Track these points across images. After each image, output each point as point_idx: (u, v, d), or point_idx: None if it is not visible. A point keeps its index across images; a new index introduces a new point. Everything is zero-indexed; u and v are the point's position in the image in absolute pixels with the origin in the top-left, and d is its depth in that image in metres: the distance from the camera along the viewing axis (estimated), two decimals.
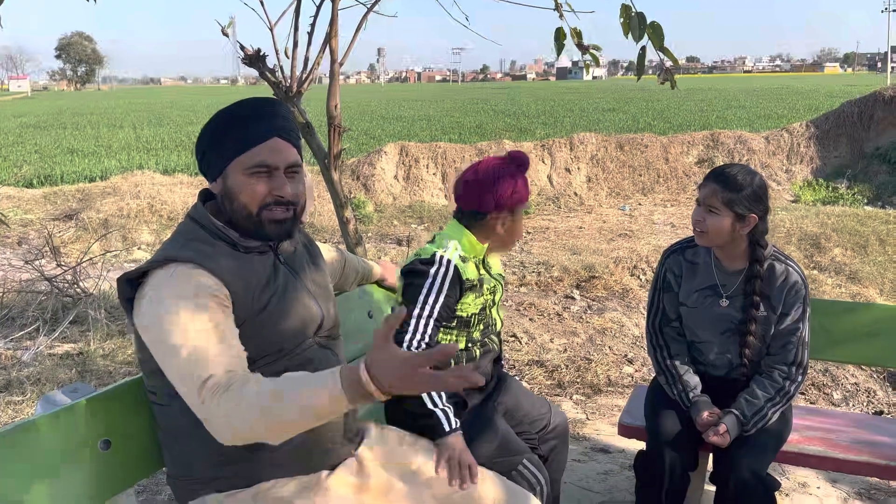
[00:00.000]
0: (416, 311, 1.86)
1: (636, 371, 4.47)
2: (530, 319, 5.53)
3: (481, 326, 2.03)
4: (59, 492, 1.40)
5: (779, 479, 2.01)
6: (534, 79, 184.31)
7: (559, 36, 3.16)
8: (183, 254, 1.41)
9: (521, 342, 4.96)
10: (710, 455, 2.22)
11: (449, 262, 1.91)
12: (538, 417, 2.14)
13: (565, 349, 4.79)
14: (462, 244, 1.97)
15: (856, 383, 5.33)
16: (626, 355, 4.80)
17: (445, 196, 11.48)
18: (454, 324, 1.96)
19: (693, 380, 2.17)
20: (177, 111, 36.76)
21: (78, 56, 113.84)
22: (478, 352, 2.04)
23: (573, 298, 6.27)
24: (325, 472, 1.49)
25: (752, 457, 1.94)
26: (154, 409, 1.51)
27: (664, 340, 2.24)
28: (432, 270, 1.90)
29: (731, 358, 2.17)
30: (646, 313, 2.32)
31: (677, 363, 2.19)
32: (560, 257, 7.60)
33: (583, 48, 3.21)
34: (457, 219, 2.02)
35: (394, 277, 2.36)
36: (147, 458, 1.58)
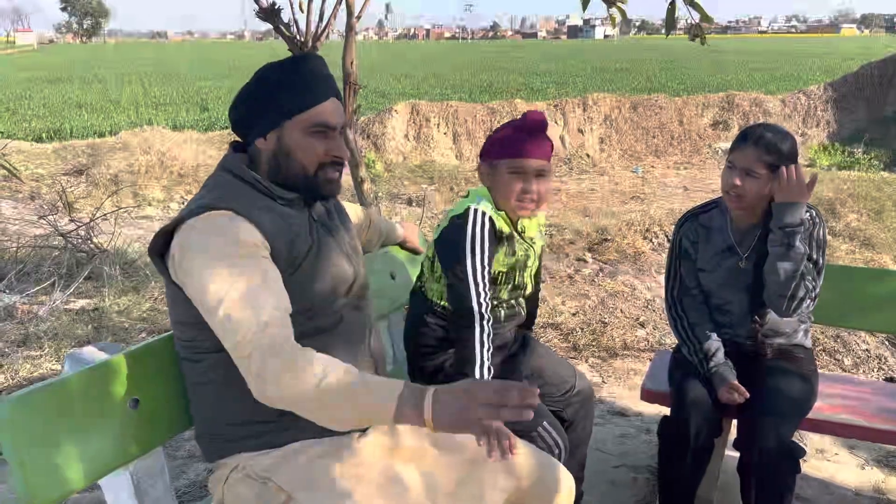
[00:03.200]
0: (470, 273, 1.83)
1: (648, 335, 4.46)
2: (542, 282, 5.52)
3: (509, 286, 1.99)
4: (88, 450, 1.40)
5: None
6: (544, 37, 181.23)
7: None
8: (219, 203, 1.38)
9: None
10: (734, 421, 2.21)
11: (483, 213, 1.88)
12: (563, 380, 2.12)
13: (577, 312, 4.78)
14: (487, 199, 1.94)
15: (867, 349, 5.32)
16: (637, 319, 4.79)
17: (456, 156, 11.38)
18: None
19: (715, 347, 2.15)
20: (184, 66, 36.40)
21: (83, 9, 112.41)
22: (503, 313, 2.01)
23: (585, 261, 6.25)
24: (356, 434, 1.49)
25: (778, 424, 1.92)
26: (184, 365, 1.49)
27: (683, 311, 2.22)
28: (469, 225, 1.86)
29: (755, 318, 2.15)
30: (664, 284, 2.29)
31: (698, 332, 2.17)
32: (572, 220, 7.56)
33: (609, 1, 3.13)
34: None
35: (416, 239, 2.34)
36: (175, 417, 1.57)
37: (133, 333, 3.93)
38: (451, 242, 1.88)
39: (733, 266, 2.14)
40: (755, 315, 2.16)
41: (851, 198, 8.71)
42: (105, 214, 5.78)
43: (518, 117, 1.98)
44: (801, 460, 1.94)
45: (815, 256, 2.06)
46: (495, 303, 1.98)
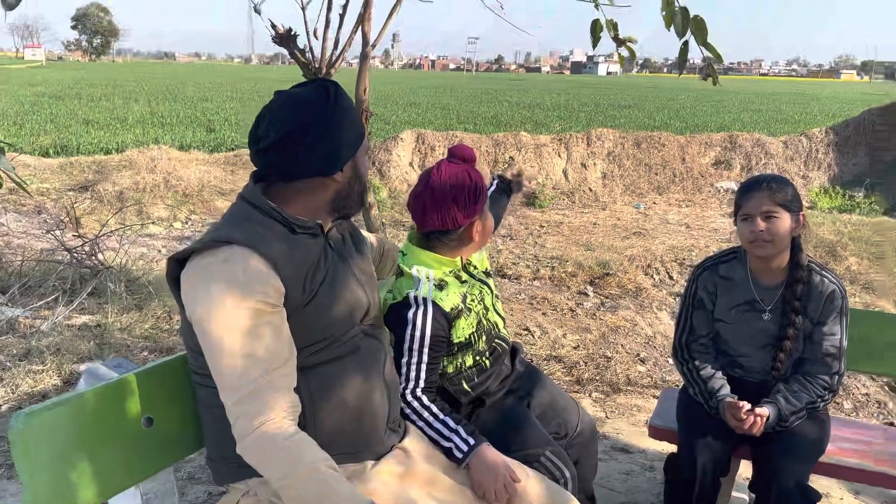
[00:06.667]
0: (405, 360, 1.75)
1: (650, 371, 4.45)
2: (543, 314, 5.51)
3: (484, 338, 1.92)
4: (100, 467, 1.40)
5: None
6: (548, 72, 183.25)
7: (595, 28, 3.12)
8: (237, 236, 1.39)
9: (534, 336, 4.95)
10: (742, 462, 2.20)
11: (425, 300, 1.78)
12: (567, 419, 2.09)
13: (578, 345, 4.77)
14: (432, 267, 1.84)
15: (866, 394, 5.30)
16: (638, 354, 4.78)
17: None
18: (455, 350, 1.87)
19: (719, 384, 2.15)
20: (192, 87, 36.72)
21: (94, 27, 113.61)
22: (488, 362, 1.95)
23: (586, 295, 6.25)
24: (370, 462, 1.48)
25: (796, 465, 1.92)
26: (197, 389, 1.49)
27: (690, 355, 2.23)
28: (410, 315, 1.76)
29: (768, 368, 2.15)
30: (674, 329, 2.30)
31: (703, 373, 2.17)
32: (574, 253, 7.57)
33: (619, 41, 3.18)
34: (415, 242, 1.89)
35: None
36: (188, 437, 1.57)
37: (135, 351, 3.92)
38: (393, 332, 1.78)
39: (753, 321, 2.14)
40: (772, 370, 2.15)
41: (852, 241, 8.73)
42: (111, 231, 5.78)
43: (447, 161, 1.88)
44: None
45: (840, 336, 2.08)
46: (477, 357, 1.92)
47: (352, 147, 1.49)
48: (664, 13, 2.66)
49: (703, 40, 2.77)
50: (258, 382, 1.32)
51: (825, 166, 13.06)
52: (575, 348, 4.70)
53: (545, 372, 4.10)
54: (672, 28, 2.65)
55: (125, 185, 8.85)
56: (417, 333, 1.76)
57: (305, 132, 1.42)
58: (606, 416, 3.53)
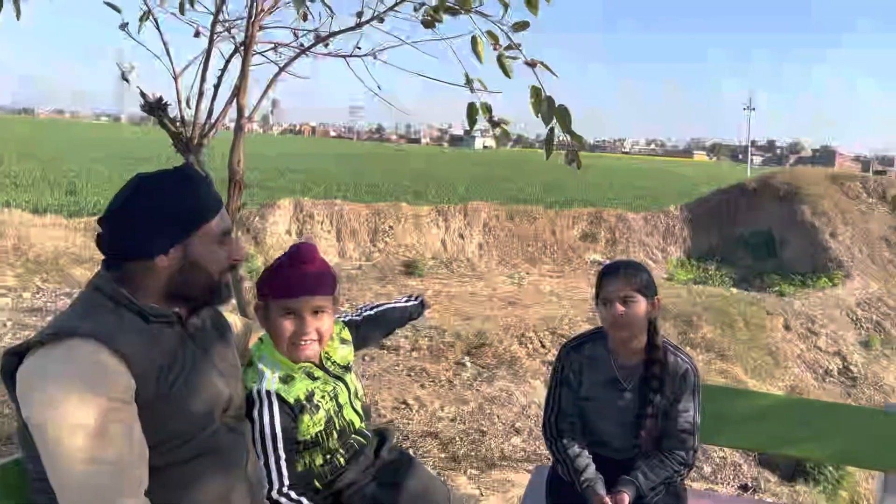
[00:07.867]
0: (262, 461, 1.66)
1: (524, 442, 4.51)
2: (421, 386, 5.50)
3: (335, 436, 1.83)
4: None
5: None
6: (428, 143, 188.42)
7: (472, 111, 3.25)
8: (84, 327, 1.29)
9: (412, 409, 4.91)
10: None
11: (268, 393, 1.70)
12: None
13: (455, 417, 4.77)
14: (277, 357, 1.77)
15: (723, 457, 5.64)
16: (513, 425, 4.85)
17: (339, 253, 11.36)
18: (301, 448, 1.77)
19: (585, 463, 2.21)
20: (52, 146, 34.64)
21: None
22: (342, 460, 1.87)
23: (464, 365, 6.31)
24: None
25: None
26: (36, 497, 1.34)
27: (559, 433, 2.29)
28: (255, 414, 1.67)
29: (630, 446, 2.23)
30: (543, 407, 2.35)
31: (571, 452, 2.23)
32: (452, 322, 7.66)
33: (493, 123, 3.32)
34: None
35: None
36: None
37: None
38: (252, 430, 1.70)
39: (615, 399, 2.23)
40: (634, 448, 2.23)
41: (706, 311, 9.40)
42: None
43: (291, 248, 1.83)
44: None
45: (693, 412, 2.19)
46: (328, 456, 1.83)
47: (180, 231, 1.41)
48: (532, 101, 2.80)
49: (566, 128, 2.93)
50: (104, 490, 1.21)
51: (681, 241, 14.12)
52: (452, 420, 4.70)
53: (421, 449, 4.05)
54: (539, 116, 2.79)
55: None
56: (267, 431, 1.68)
57: (131, 209, 1.40)
58: (481, 494, 3.52)
